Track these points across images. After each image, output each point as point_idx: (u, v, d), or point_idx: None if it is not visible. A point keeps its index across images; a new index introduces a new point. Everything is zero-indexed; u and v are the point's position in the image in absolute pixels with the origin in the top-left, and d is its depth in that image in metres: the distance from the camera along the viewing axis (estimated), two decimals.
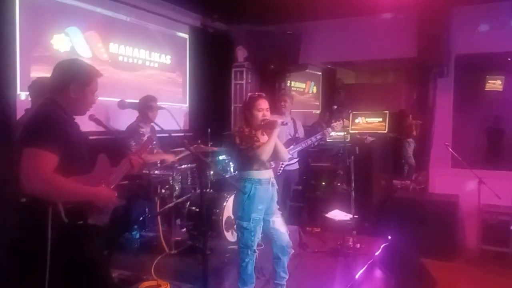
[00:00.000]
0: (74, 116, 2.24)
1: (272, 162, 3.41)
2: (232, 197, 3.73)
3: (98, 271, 2.19)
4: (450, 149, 5.03)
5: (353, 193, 4.36)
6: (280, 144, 3.30)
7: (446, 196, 5.21)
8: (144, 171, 3.71)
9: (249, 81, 6.49)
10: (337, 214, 4.68)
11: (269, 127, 3.17)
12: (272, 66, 6.41)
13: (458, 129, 5.53)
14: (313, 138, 4.60)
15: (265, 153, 3.10)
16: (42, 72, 3.77)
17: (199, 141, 4.42)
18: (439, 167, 5.54)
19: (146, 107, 3.94)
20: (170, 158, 4.04)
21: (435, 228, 4.78)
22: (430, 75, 5.63)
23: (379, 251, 4.50)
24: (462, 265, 4.72)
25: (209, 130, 4.76)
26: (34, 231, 1.98)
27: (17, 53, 3.84)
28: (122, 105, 2.71)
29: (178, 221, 4.17)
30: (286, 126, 4.43)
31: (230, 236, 4.01)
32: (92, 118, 2.49)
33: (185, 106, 6.07)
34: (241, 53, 6.40)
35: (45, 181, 1.91)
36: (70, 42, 4.31)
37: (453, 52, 5.36)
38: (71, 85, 2.14)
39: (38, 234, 1.95)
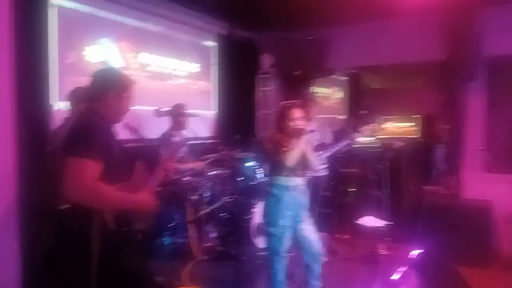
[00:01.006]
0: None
1: (304, 171, 3.39)
2: (261, 203, 3.74)
3: (145, 277, 2.23)
4: (484, 153, 4.90)
5: (387, 199, 4.27)
6: (311, 154, 3.29)
7: (480, 202, 5.07)
8: (175, 177, 3.77)
9: (275, 87, 6.51)
10: (370, 221, 4.61)
11: (297, 135, 3.18)
12: (297, 73, 6.41)
13: (491, 133, 5.38)
14: (341, 143, 4.57)
15: (291, 159, 3.10)
16: (77, 82, 3.89)
17: (228, 148, 4.45)
18: (471, 172, 5.41)
19: (177, 115, 4.01)
20: (199, 166, 4.10)
21: (469, 234, 4.65)
22: (460, 78, 5.51)
23: (412, 258, 4.41)
24: (497, 272, 4.57)
25: (237, 137, 4.79)
26: (79, 239, 2.02)
27: (55, 64, 3.96)
28: (158, 113, 2.77)
29: (208, 227, 4.20)
30: (314, 133, 4.42)
31: (259, 242, 4.02)
32: (127, 126, 2.55)
33: (212, 113, 6.14)
34: (266, 60, 6.44)
35: (89, 189, 1.96)
36: (103, 53, 4.43)
37: (485, 54, 5.24)
38: (108, 92, 2.19)
39: (83, 242, 2.00)
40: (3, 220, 3.05)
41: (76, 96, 3.22)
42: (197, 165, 4.11)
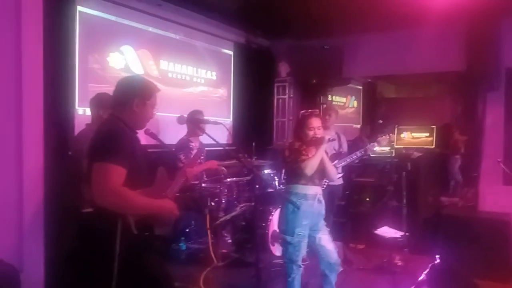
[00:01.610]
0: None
1: (321, 180, 3.40)
2: (278, 211, 3.75)
3: (164, 282, 2.26)
4: (503, 165, 4.84)
5: (404, 210, 4.23)
6: (329, 163, 3.29)
7: (498, 215, 4.99)
8: (194, 183, 3.80)
9: (291, 95, 6.54)
10: (387, 231, 4.56)
11: (317, 143, 3.19)
12: (314, 81, 6.44)
13: (510, 145, 5.31)
14: (358, 153, 4.55)
15: (309, 167, 3.10)
16: (99, 88, 3.97)
17: (245, 155, 4.48)
18: (490, 184, 5.33)
19: (195, 121, 4.05)
20: (214, 165, 4.07)
21: (487, 248, 4.58)
22: (478, 88, 5.47)
23: (428, 270, 4.35)
24: None
25: (254, 144, 4.82)
26: (103, 242, 2.06)
27: (76, 70, 4.06)
28: (181, 120, 2.82)
29: (225, 233, 4.23)
30: (331, 141, 4.43)
31: (276, 250, 4.03)
32: (147, 132, 2.59)
33: (229, 120, 6.19)
34: (283, 68, 6.48)
35: (115, 194, 2.00)
36: (124, 60, 4.52)
37: (504, 64, 5.20)
38: (134, 100, 2.23)
39: (106, 245, 2.04)
40: (32, 222, 3.12)
41: (97, 102, 3.27)
42: (212, 164, 4.07)
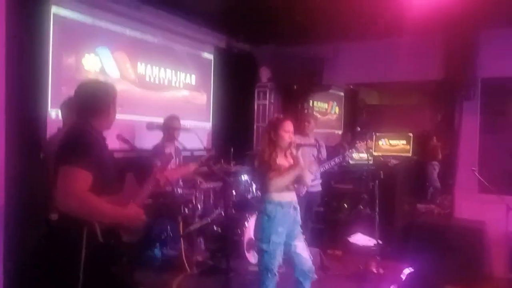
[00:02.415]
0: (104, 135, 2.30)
1: (295, 185, 3.39)
2: (254, 217, 3.72)
3: None
4: (477, 174, 4.91)
5: (377, 218, 4.28)
6: (305, 170, 3.27)
7: (472, 222, 5.07)
8: (168, 189, 3.75)
9: (272, 101, 6.54)
10: (360, 239, 4.59)
11: (289, 147, 3.17)
12: (295, 87, 6.45)
13: (485, 153, 5.40)
14: (336, 159, 4.57)
15: (276, 187, 3.09)
16: (73, 90, 3.87)
17: (222, 161, 4.44)
18: (465, 192, 5.40)
19: (171, 127, 4.00)
20: (190, 169, 4.02)
21: (461, 255, 4.64)
22: (455, 97, 5.56)
23: (403, 277, 4.38)
24: None
25: (232, 150, 4.78)
26: (68, 249, 2.01)
27: (49, 72, 3.97)
28: (150, 126, 2.77)
29: (200, 240, 4.18)
30: (310, 147, 4.42)
31: (251, 257, 3.99)
32: (119, 138, 2.55)
33: (208, 125, 6.15)
34: (264, 74, 6.47)
35: (79, 198, 1.95)
36: (100, 62, 4.44)
37: (480, 75, 5.29)
38: (110, 105, 2.23)
39: (71, 253, 1.99)
40: None
41: (68, 106, 3.21)
42: (188, 169, 4.02)
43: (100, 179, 2.05)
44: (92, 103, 2.23)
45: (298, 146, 3.19)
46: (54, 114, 3.99)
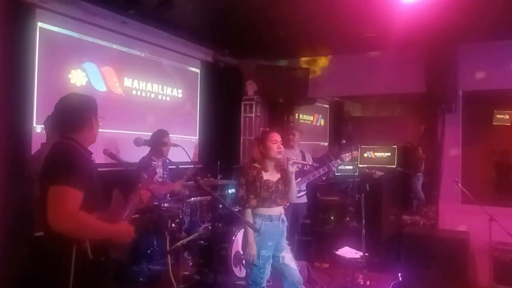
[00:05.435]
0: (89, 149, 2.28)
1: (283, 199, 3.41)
2: (242, 231, 3.73)
3: None
4: (460, 185, 5.00)
5: (363, 231, 4.32)
6: (293, 184, 3.30)
7: (456, 233, 5.13)
8: (154, 203, 3.73)
9: (258, 114, 6.58)
10: (347, 251, 4.62)
11: (277, 158, 3.20)
12: (281, 100, 6.52)
13: (467, 164, 5.51)
14: (321, 171, 4.59)
15: (247, 216, 3.12)
16: None
17: (209, 175, 4.45)
18: (449, 203, 5.49)
19: (159, 143, 3.99)
20: (177, 186, 4.06)
21: (445, 266, 4.69)
22: (438, 110, 5.68)
23: None
24: None
25: (218, 163, 4.80)
26: (56, 267, 1.99)
27: (35, 87, 3.94)
28: (138, 142, 2.77)
29: (186, 255, 4.15)
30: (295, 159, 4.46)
31: (239, 271, 3.98)
32: (106, 152, 2.54)
33: (195, 138, 6.15)
34: (250, 87, 6.52)
35: (72, 219, 1.93)
36: (86, 77, 4.43)
37: (460, 88, 5.42)
38: (92, 118, 2.22)
39: (60, 271, 1.97)
40: None
41: (51, 122, 3.18)
42: (175, 186, 4.06)
43: (89, 196, 2.04)
44: (73, 117, 2.19)
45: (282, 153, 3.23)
46: (39, 129, 3.95)
